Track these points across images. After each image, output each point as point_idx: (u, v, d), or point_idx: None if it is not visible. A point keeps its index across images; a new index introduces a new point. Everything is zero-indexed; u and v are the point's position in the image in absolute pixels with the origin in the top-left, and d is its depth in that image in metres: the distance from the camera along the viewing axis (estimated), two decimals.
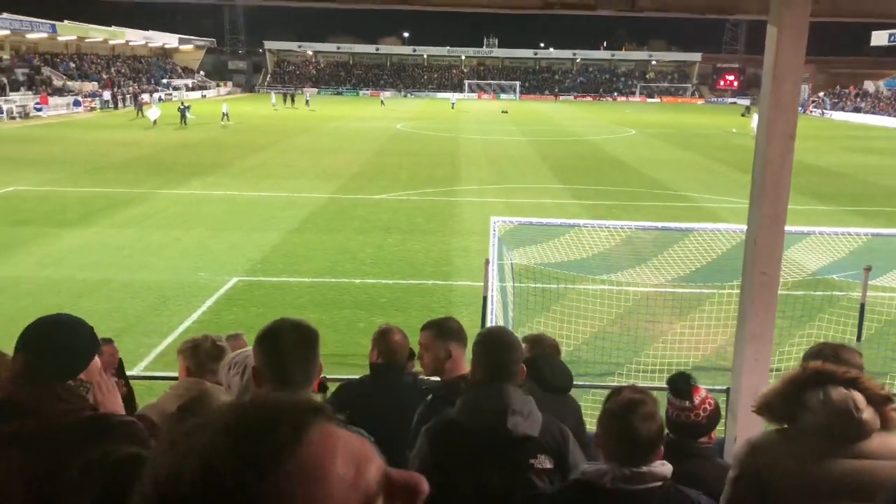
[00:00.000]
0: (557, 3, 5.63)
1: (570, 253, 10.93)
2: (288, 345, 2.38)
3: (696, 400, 3.22)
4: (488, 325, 8.45)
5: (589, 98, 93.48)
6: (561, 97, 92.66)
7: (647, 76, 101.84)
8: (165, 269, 13.97)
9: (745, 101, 78.76)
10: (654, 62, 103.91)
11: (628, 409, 2.35)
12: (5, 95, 49.44)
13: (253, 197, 21.52)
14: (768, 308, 4.33)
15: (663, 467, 2.37)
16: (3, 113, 45.38)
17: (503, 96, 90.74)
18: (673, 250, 11.26)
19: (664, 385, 3.42)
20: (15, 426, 2.27)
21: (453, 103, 68.55)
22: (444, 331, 3.38)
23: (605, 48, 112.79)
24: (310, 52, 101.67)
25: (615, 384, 7.68)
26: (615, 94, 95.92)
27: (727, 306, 8.98)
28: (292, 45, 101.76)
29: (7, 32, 57.28)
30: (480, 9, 5.93)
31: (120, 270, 13.82)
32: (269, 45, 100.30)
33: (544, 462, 2.73)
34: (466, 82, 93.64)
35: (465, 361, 3.33)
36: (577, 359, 9.40)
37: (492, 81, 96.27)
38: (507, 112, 63.81)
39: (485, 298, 8.28)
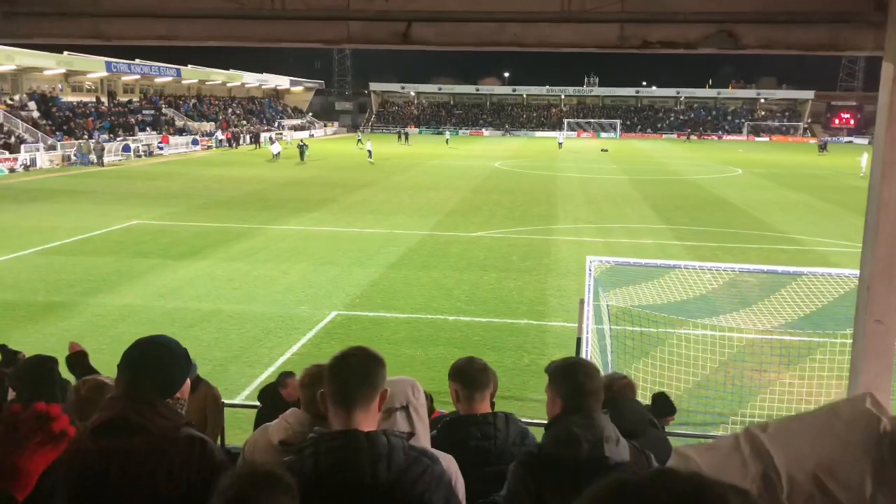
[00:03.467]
0: (656, 42, 5.59)
1: (671, 295, 10.61)
2: (351, 370, 2.43)
3: None
4: None
5: (694, 137, 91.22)
6: (664, 136, 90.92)
7: (756, 114, 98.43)
8: (270, 302, 14.55)
9: (863, 141, 74.62)
10: (762, 100, 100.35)
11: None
12: (133, 135, 53.39)
13: (354, 233, 22.17)
14: (884, 358, 4.06)
15: None
16: (130, 151, 48.97)
17: (603, 135, 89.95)
18: (780, 295, 10.73)
19: None
20: (124, 441, 2.41)
21: (560, 143, 68.09)
22: (456, 373, 3.34)
23: (711, 86, 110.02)
24: (412, 93, 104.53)
25: (719, 435, 7.36)
26: (721, 132, 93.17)
27: (840, 356, 8.46)
28: (395, 87, 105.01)
29: (138, 77, 62.19)
30: (571, 48, 5.97)
31: (229, 302, 14.50)
32: (373, 86, 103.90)
33: None
34: (566, 121, 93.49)
35: (482, 404, 3.30)
36: (678, 408, 9.06)
37: (591, 120, 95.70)
38: (606, 150, 63.11)
39: (579, 340, 8.15)
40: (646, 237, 21.94)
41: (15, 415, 1.96)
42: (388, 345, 11.78)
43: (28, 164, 40.46)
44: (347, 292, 15.29)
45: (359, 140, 53.06)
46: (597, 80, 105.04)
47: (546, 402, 2.95)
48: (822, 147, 67.48)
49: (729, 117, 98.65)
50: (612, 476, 0.80)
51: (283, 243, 20.59)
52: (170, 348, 2.64)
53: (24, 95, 51.15)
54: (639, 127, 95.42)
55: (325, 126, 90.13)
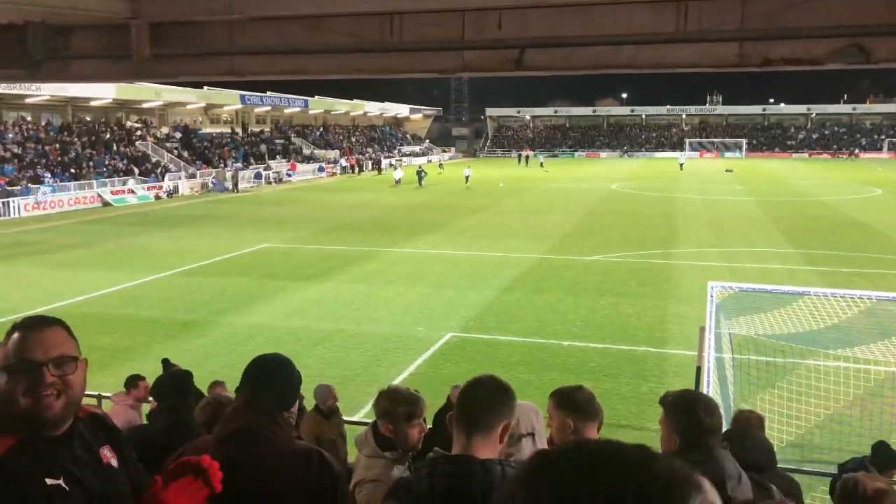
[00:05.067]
0: (778, 59, 5.42)
1: (800, 324, 10.04)
2: (477, 396, 2.48)
3: None
4: None
5: (826, 155, 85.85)
6: (793, 155, 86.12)
7: None
8: (388, 323, 14.99)
9: None
10: None
11: (873, 498, 2.18)
12: (264, 163, 56.70)
13: (469, 256, 22.45)
14: None
15: None
16: (261, 178, 52.02)
17: (727, 154, 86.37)
18: None
19: None
20: (248, 451, 2.55)
21: (682, 163, 65.71)
22: (566, 402, 3.22)
23: (846, 101, 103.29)
24: (528, 117, 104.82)
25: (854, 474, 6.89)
26: (857, 150, 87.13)
27: None
28: (511, 111, 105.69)
29: (269, 108, 66.14)
30: (688, 69, 5.87)
31: (350, 322, 15.07)
32: (489, 111, 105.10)
33: None
34: (687, 141, 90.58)
35: (591, 434, 3.16)
36: (807, 443, 8.57)
37: (715, 139, 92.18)
38: (731, 171, 60.56)
39: (698, 369, 7.88)
40: (774, 262, 20.85)
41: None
42: (502, 368, 11.83)
43: (171, 191, 43.83)
44: (462, 314, 15.50)
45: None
46: (720, 99, 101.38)
47: (661, 434, 2.90)
48: None
49: (866, 134, 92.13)
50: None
51: (400, 266, 21.15)
52: (287, 365, 2.81)
53: (169, 128, 55.58)
54: (766, 146, 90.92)
55: (443, 151, 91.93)
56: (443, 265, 21.15)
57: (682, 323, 14.39)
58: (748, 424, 4.21)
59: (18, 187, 36.01)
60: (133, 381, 7.41)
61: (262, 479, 2.48)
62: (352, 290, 17.95)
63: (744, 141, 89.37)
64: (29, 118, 45.35)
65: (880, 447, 5.02)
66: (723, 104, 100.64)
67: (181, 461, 2.23)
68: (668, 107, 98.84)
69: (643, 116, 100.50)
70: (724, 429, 3.93)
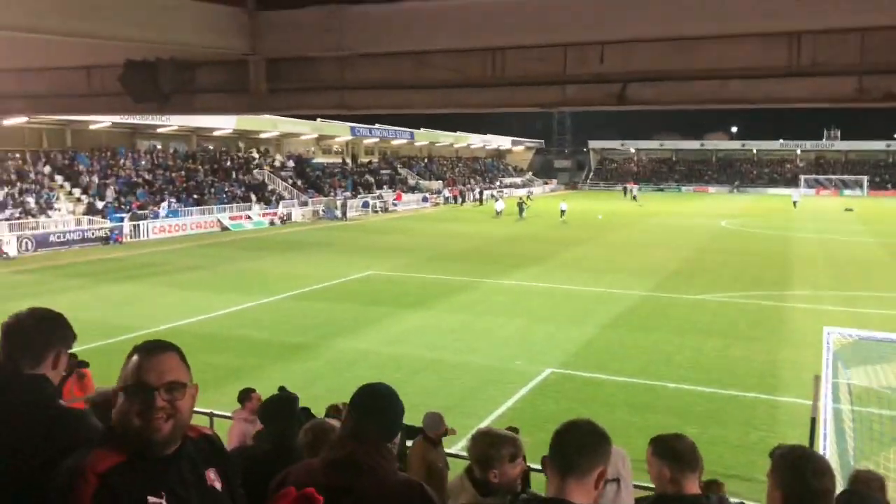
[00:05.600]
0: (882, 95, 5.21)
1: None
2: (573, 439, 2.45)
3: None
4: (821, 452, 7.63)
5: None
6: None
7: None
8: (488, 355, 15.07)
9: None
10: None
11: None
12: (372, 193, 58.49)
13: (570, 290, 22.25)
14: None
15: None
16: (368, 207, 53.67)
17: (847, 192, 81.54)
18: None
19: None
20: (353, 480, 2.63)
21: (795, 201, 62.23)
22: (665, 450, 3.12)
23: None
24: (632, 150, 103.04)
25: None
26: None
27: None
28: (615, 144, 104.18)
29: (377, 140, 68.38)
30: (801, 104, 5.70)
31: (450, 352, 15.26)
32: (592, 144, 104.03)
33: None
34: (802, 177, 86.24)
35: (691, 485, 3.07)
36: None
37: (832, 176, 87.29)
38: (851, 210, 57.13)
39: (813, 420, 7.51)
40: None
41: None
42: (603, 408, 11.65)
43: (285, 217, 45.92)
44: (563, 350, 15.39)
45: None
46: (838, 133, 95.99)
47: (766, 489, 2.84)
48: None
49: None
50: None
51: (501, 297, 21.23)
52: (392, 396, 2.87)
53: (284, 158, 58.41)
54: (890, 184, 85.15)
55: (545, 183, 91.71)
56: (544, 298, 21.07)
57: (795, 369, 13.69)
58: (867, 486, 4.01)
59: (148, 210, 38.76)
60: (246, 395, 7.85)
61: None
62: (453, 320, 18.18)
63: (865, 178, 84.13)
64: (159, 146, 48.86)
65: None
66: (841, 139, 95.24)
67: (287, 490, 2.32)
68: (782, 141, 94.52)
69: (754, 151, 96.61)
70: (840, 489, 3.76)
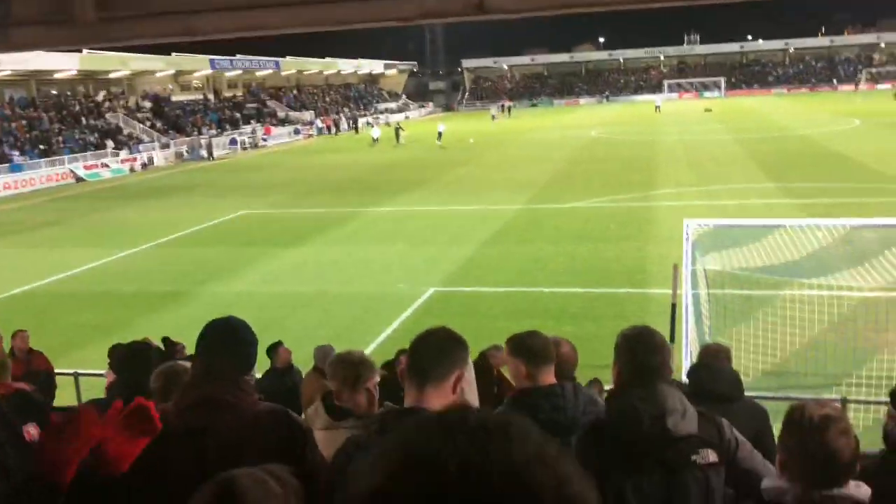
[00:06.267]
0: None
1: (778, 256, 10.09)
2: (428, 347, 2.43)
3: None
4: (682, 335, 8.07)
5: (805, 89, 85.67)
6: (773, 91, 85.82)
7: (876, 61, 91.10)
8: (371, 282, 14.94)
9: None
10: (882, 45, 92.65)
11: (822, 425, 2.13)
12: (239, 129, 55.85)
13: (450, 211, 22.34)
14: None
15: (859, 489, 2.11)
16: (236, 145, 51.30)
17: (706, 94, 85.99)
18: None
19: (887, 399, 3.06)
20: (214, 419, 2.49)
21: (658, 106, 65.10)
22: (520, 348, 3.20)
23: (824, 34, 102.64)
24: (505, 67, 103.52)
25: (832, 398, 6.97)
26: (836, 82, 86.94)
27: None
28: (488, 62, 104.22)
29: (240, 72, 64.86)
30: (658, 3, 5.69)
31: (331, 284, 15.00)
32: (466, 63, 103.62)
33: (708, 456, 2.63)
34: (666, 82, 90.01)
35: (547, 377, 3.16)
36: (786, 371, 8.69)
37: (693, 79, 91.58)
38: (710, 110, 60.38)
39: (673, 306, 7.90)
40: (753, 197, 20.90)
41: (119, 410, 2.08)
42: (484, 318, 11.84)
43: (146, 162, 43.16)
44: (444, 269, 15.47)
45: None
46: (697, 38, 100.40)
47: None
48: None
49: (845, 66, 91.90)
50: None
51: (381, 225, 21.03)
52: (243, 327, 2.71)
53: (139, 98, 54.48)
54: (745, 83, 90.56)
55: (421, 107, 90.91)
56: (424, 222, 21.04)
57: (662, 263, 14.38)
58: (714, 357, 4.21)
59: None
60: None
61: (230, 446, 2.40)
62: (332, 252, 17.85)
63: (722, 79, 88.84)
64: None
65: None
66: (700, 43, 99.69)
67: (114, 404, 2.13)
68: (646, 49, 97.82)
69: (621, 60, 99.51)
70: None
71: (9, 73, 42.87)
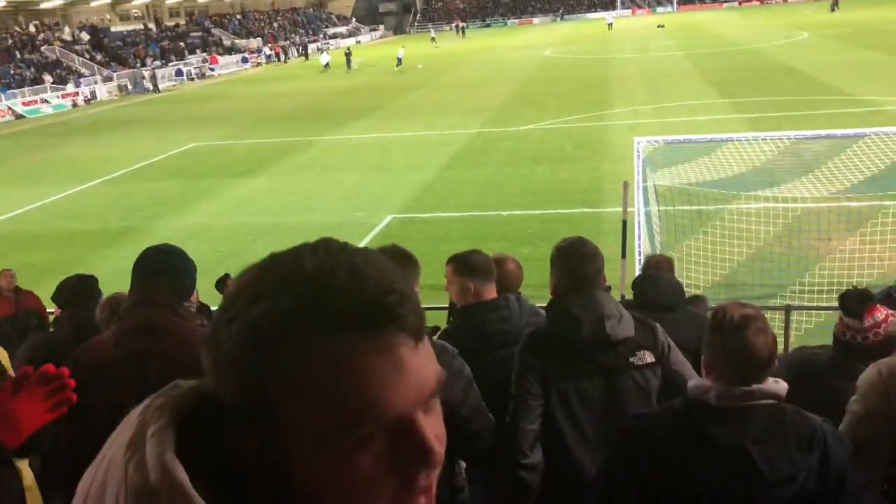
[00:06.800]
0: None
1: (727, 170, 10.32)
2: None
3: (871, 321, 2.98)
4: (634, 251, 8.28)
5: (755, 2, 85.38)
6: (724, 5, 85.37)
7: None
8: (327, 212, 14.86)
9: None
10: None
11: (742, 324, 2.24)
12: (184, 59, 53.72)
13: (405, 137, 22.11)
14: None
15: (777, 385, 2.23)
16: (182, 76, 49.44)
17: (659, 10, 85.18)
18: (844, 159, 10.26)
19: (836, 304, 3.20)
20: (153, 345, 2.49)
21: (610, 23, 64.50)
22: (463, 267, 3.25)
23: None
24: None
25: (777, 306, 7.29)
26: None
27: None
28: None
29: None
30: None
31: (288, 215, 14.88)
32: None
33: (645, 357, 2.78)
34: None
35: (490, 293, 3.25)
36: (734, 282, 9.01)
37: None
38: (663, 26, 59.96)
39: (624, 223, 8.08)
40: (704, 113, 21.10)
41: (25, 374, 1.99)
42: (443, 243, 11.90)
43: (88, 97, 41.43)
44: (401, 196, 15.44)
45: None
46: None
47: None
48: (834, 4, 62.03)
49: None
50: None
51: (335, 153, 20.75)
52: (179, 253, 2.70)
53: (76, 30, 51.79)
54: None
55: (372, 30, 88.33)
56: (379, 149, 20.82)
57: (616, 182, 14.49)
58: (657, 268, 4.36)
59: None
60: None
61: (170, 372, 2.41)
62: (287, 183, 17.63)
63: None
64: None
65: (854, 293, 5.08)
66: None
67: (23, 370, 2.03)
68: None
69: None
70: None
71: None
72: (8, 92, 38.12)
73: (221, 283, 7.75)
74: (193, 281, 2.75)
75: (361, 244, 12.73)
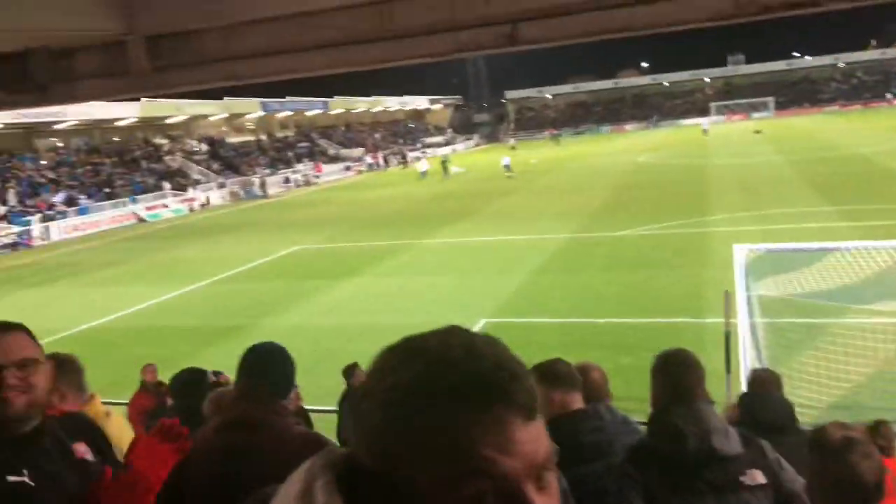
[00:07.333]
0: (777, 5, 5.32)
1: (838, 281, 9.90)
2: None
3: None
4: (741, 365, 7.97)
5: (858, 106, 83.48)
6: (824, 109, 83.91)
7: None
8: (423, 313, 15.09)
9: None
10: None
11: (844, 447, 2.14)
12: (291, 167, 57.27)
13: (499, 241, 22.45)
14: None
15: None
16: (290, 182, 52.58)
17: (755, 115, 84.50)
18: None
19: None
20: (247, 438, 2.61)
21: (705, 129, 64.36)
22: (547, 377, 3.20)
23: (875, 46, 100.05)
24: (549, 96, 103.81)
25: None
26: (891, 97, 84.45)
27: None
28: (531, 92, 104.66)
29: (291, 113, 66.76)
30: (685, 25, 5.76)
31: (384, 315, 15.21)
32: (509, 94, 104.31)
33: (756, 477, 2.65)
34: (712, 105, 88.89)
35: (576, 402, 3.17)
36: (852, 404, 8.44)
37: (741, 100, 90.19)
38: (760, 132, 59.34)
39: (727, 335, 7.82)
40: (809, 221, 20.46)
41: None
42: (538, 350, 11.76)
43: (204, 202, 44.56)
44: (495, 300, 15.55)
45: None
46: (742, 58, 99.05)
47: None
48: None
49: None
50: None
51: (431, 256, 21.25)
52: (280, 353, 2.84)
53: (195, 141, 56.44)
54: (794, 103, 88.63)
55: (467, 139, 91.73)
56: (473, 252, 21.20)
57: (718, 291, 14.13)
58: (763, 384, 4.20)
59: (55, 211, 36.98)
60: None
61: (262, 466, 2.41)
62: (384, 284, 18.12)
63: (771, 99, 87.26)
64: (60, 144, 46.43)
65: None
66: (746, 63, 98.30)
67: (138, 437, 2.36)
68: (691, 72, 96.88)
69: (666, 84, 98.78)
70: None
71: (75, 122, 45.02)
72: (133, 198, 41.54)
73: (349, 372, 8.10)
74: (292, 380, 2.88)
75: None
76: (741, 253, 8.88)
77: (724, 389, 7.36)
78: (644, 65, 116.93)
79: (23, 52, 6.72)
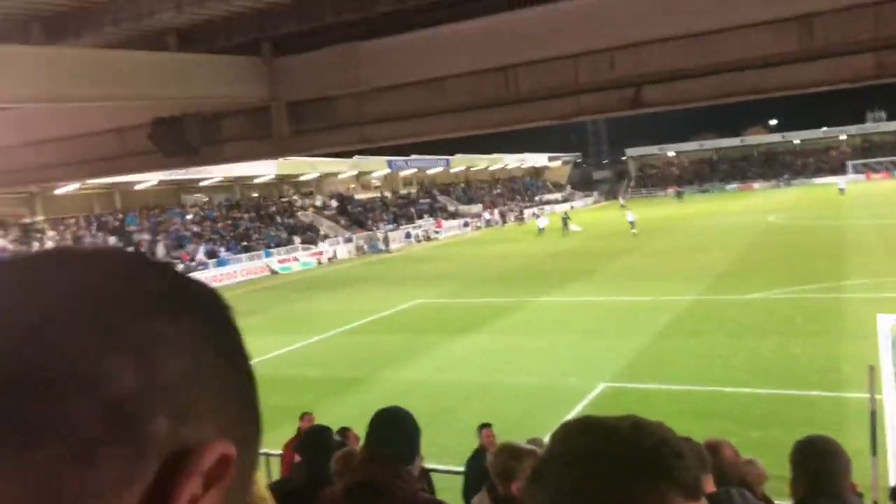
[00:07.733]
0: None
1: None
2: None
3: None
4: (885, 448, 7.34)
5: None
6: None
7: None
8: (539, 374, 14.94)
9: None
10: None
11: None
12: (413, 223, 58.96)
13: (619, 301, 21.97)
14: None
15: None
16: (411, 238, 54.07)
17: None
18: None
19: None
20: (375, 501, 2.69)
21: (842, 188, 60.36)
22: None
23: None
24: (671, 153, 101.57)
25: None
26: None
27: None
28: (653, 149, 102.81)
29: (415, 170, 69.11)
30: (819, 87, 5.55)
31: (501, 374, 15.19)
32: (630, 152, 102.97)
33: None
34: (850, 163, 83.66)
35: (707, 485, 3.02)
36: None
37: (882, 159, 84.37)
38: None
39: (873, 414, 7.23)
40: None
41: None
42: (660, 419, 11.27)
43: (331, 256, 46.56)
44: (615, 363, 15.16)
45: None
46: (883, 115, 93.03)
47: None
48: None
49: None
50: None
51: (549, 315, 21.07)
52: (407, 418, 2.94)
53: (326, 197, 59.42)
54: None
55: (586, 195, 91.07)
56: (592, 312, 20.84)
57: (859, 363, 13.13)
58: None
59: (196, 262, 39.81)
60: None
61: None
62: (502, 342, 18.11)
63: None
64: (205, 199, 50.22)
65: None
66: (887, 120, 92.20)
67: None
68: (825, 129, 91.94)
69: (797, 142, 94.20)
70: None
71: (219, 179, 48.71)
72: (267, 251, 44.04)
73: (482, 430, 8.16)
74: (418, 447, 2.97)
75: (573, 412, 12.62)
76: (887, 323, 8.23)
77: (870, 473, 6.79)
78: (772, 122, 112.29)
79: (179, 117, 7.49)
